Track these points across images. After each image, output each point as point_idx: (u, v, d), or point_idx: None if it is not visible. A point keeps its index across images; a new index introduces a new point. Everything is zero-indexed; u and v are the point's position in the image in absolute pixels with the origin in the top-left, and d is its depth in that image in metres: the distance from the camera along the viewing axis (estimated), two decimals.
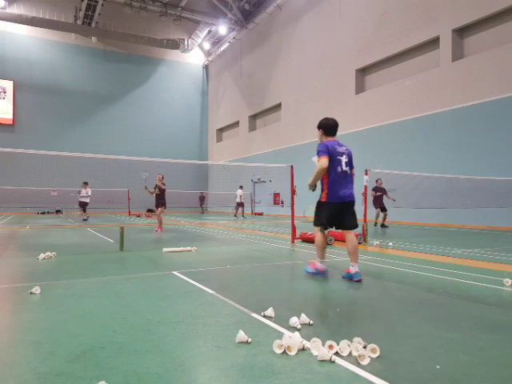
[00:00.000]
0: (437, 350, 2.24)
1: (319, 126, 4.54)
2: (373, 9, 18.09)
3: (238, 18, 27.83)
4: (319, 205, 4.42)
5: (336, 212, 4.29)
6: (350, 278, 4.18)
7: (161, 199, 11.02)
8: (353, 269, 4.18)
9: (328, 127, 4.50)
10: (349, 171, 4.37)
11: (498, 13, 13.50)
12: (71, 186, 22.93)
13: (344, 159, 4.31)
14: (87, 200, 17.08)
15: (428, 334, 2.53)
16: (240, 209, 21.42)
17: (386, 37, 17.37)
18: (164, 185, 11.05)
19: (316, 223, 4.48)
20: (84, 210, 17.25)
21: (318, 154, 4.26)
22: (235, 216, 21.77)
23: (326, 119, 4.55)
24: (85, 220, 16.79)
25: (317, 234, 4.49)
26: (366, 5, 18.50)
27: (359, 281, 4.09)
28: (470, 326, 2.69)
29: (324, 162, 4.15)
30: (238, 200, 21.23)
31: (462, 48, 14.88)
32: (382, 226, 12.91)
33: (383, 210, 12.86)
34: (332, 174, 4.24)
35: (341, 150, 4.34)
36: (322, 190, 4.36)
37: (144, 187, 11.03)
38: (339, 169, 4.25)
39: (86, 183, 17.39)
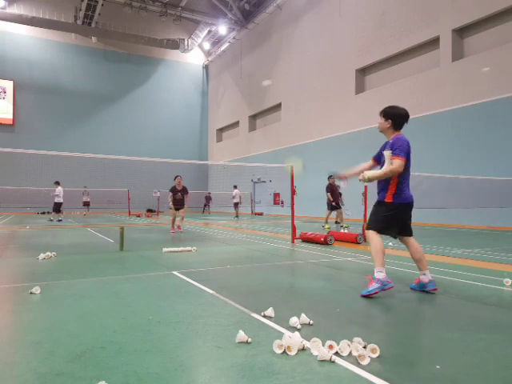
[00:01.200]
0: (437, 350, 2.24)
1: (387, 115, 3.75)
2: (373, 9, 18.09)
3: (238, 18, 27.83)
4: (380, 205, 3.72)
5: (402, 215, 3.71)
6: (422, 288, 3.69)
7: (183, 201, 10.86)
8: (425, 277, 3.65)
9: (401, 118, 3.74)
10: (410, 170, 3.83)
11: (498, 13, 13.50)
12: (71, 185, 22.94)
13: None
14: (61, 200, 16.92)
15: (428, 334, 2.53)
16: (236, 209, 21.72)
17: (385, 37, 17.37)
18: (186, 188, 11.04)
19: (372, 227, 3.68)
20: (59, 211, 17.06)
21: (394, 151, 3.56)
22: (237, 217, 21.79)
23: (395, 108, 3.76)
24: (59, 221, 16.55)
25: (372, 238, 3.64)
26: (365, 5, 18.50)
27: (434, 290, 3.63)
28: (469, 325, 2.69)
29: (401, 165, 3.53)
30: (235, 200, 21.50)
31: (462, 48, 14.88)
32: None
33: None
34: (404, 173, 3.66)
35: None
36: (386, 190, 3.68)
37: (171, 204, 10.75)
38: (410, 169, 3.75)
39: (57, 183, 17.21)
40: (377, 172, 3.66)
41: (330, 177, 12.38)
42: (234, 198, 21.80)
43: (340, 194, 12.93)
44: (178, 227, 10.95)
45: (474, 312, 3.06)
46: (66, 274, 4.59)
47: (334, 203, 12.35)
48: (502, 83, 13.10)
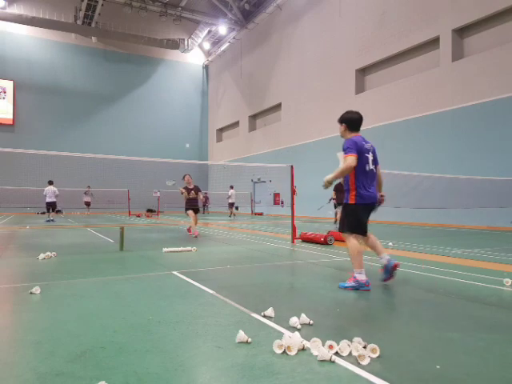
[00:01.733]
0: (437, 349, 2.24)
1: (342, 120, 4.10)
2: (373, 9, 18.09)
3: (238, 18, 27.83)
4: (347, 208, 3.98)
5: (366, 214, 3.93)
6: (388, 270, 3.93)
7: (196, 202, 10.02)
8: (384, 260, 3.95)
9: (352, 121, 4.06)
10: (374, 169, 4.01)
11: (498, 13, 13.50)
12: (71, 186, 22.95)
13: (370, 156, 3.95)
14: (48, 199, 16.83)
15: (428, 334, 2.53)
16: (232, 208, 21.87)
17: (385, 37, 17.38)
18: (198, 187, 10.13)
19: (345, 229, 3.95)
20: (48, 210, 16.95)
21: (345, 150, 3.85)
22: (234, 216, 21.84)
23: (349, 113, 4.12)
24: (52, 221, 16.41)
25: (349, 240, 3.91)
26: (365, 5, 18.50)
27: (396, 266, 3.91)
28: (469, 325, 2.69)
29: (352, 160, 3.75)
30: (230, 200, 21.61)
31: (462, 48, 14.88)
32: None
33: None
34: (359, 172, 3.87)
35: (367, 146, 3.97)
36: (348, 191, 3.95)
37: (180, 192, 9.89)
38: (367, 167, 3.90)
39: (48, 182, 17.19)
40: (333, 172, 3.85)
41: None
42: (229, 197, 21.92)
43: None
44: (192, 231, 9.80)
45: (474, 312, 3.06)
46: (66, 274, 4.59)
47: (333, 200, 12.19)
48: (502, 83, 13.11)
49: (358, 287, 3.75)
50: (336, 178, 3.87)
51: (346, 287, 3.80)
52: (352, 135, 4.00)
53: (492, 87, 13.42)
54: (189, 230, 10.12)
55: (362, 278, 3.76)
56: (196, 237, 9.40)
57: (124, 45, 30.82)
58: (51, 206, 16.98)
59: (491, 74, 13.47)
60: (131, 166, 24.37)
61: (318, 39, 21.63)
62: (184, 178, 9.97)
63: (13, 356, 2.13)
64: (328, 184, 3.94)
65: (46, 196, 16.95)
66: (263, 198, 26.27)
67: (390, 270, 3.93)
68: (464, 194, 12.34)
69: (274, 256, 6.27)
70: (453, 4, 14.66)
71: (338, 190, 12.09)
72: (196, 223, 9.86)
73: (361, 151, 3.85)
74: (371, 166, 3.94)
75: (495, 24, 13.80)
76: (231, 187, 22.10)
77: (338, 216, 12.53)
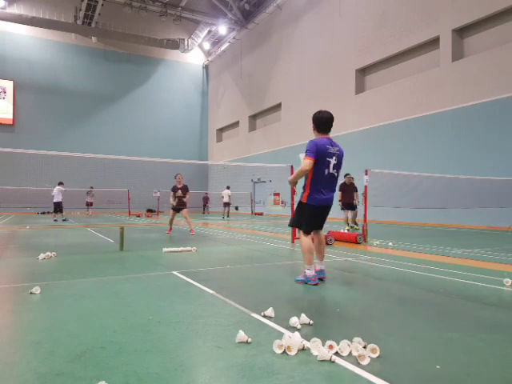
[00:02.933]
0: (437, 349, 2.24)
1: (312, 120, 4.10)
2: (373, 9, 18.09)
3: (238, 18, 27.83)
4: (299, 205, 4.15)
5: (316, 215, 4.08)
6: (318, 277, 4.08)
7: (180, 201, 10.27)
8: (318, 266, 4.14)
9: (320, 122, 4.03)
10: (336, 174, 4.03)
11: (498, 13, 13.50)
12: (71, 186, 22.93)
13: (333, 161, 3.95)
14: (55, 199, 17.08)
15: (428, 334, 2.53)
16: (226, 208, 21.84)
17: (386, 37, 17.38)
18: (187, 187, 10.39)
19: (293, 224, 4.35)
20: (56, 211, 17.23)
21: (306, 152, 3.92)
22: (227, 216, 21.74)
23: (319, 112, 4.06)
24: (56, 221, 16.66)
25: (301, 237, 4.14)
26: (365, 5, 18.50)
27: (323, 278, 4.13)
28: (470, 325, 2.69)
29: (307, 164, 3.84)
30: (225, 200, 21.61)
31: (462, 48, 14.88)
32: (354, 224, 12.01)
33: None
34: (317, 175, 3.92)
35: (332, 150, 3.95)
36: (304, 190, 4.05)
37: (173, 200, 10.17)
38: (326, 171, 3.92)
39: (59, 183, 17.44)
40: (294, 174, 4.07)
41: (346, 175, 11.58)
42: (229, 197, 21.93)
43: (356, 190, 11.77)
44: (191, 231, 10.16)
45: (474, 312, 3.06)
46: (66, 274, 4.59)
47: (339, 202, 11.34)
48: (502, 83, 13.11)
49: (306, 281, 4.00)
50: (295, 178, 4.08)
51: (296, 281, 4.10)
52: (319, 136, 4.03)
53: (492, 87, 13.42)
54: (170, 228, 10.58)
55: (309, 273, 3.99)
56: (169, 233, 10.28)
57: (124, 45, 30.83)
58: (57, 206, 17.16)
59: (491, 74, 13.47)
60: (131, 166, 24.38)
61: (318, 39, 21.63)
62: (176, 177, 10.35)
63: (13, 356, 2.13)
64: (292, 184, 4.22)
65: (53, 196, 17.17)
66: (263, 198, 26.27)
67: (312, 280, 3.99)
68: (464, 194, 12.34)
69: (274, 256, 6.27)
70: (453, 4, 14.66)
71: (345, 190, 11.57)
72: (172, 222, 10.54)
73: (321, 155, 3.88)
74: (331, 171, 3.96)
75: (495, 24, 13.80)
76: (227, 188, 22.14)
77: (349, 216, 11.90)
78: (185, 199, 10.16)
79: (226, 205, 21.96)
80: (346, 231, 10.28)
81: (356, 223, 11.92)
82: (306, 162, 3.86)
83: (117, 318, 2.81)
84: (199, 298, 3.42)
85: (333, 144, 4.00)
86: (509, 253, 6.55)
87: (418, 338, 2.45)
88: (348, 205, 11.67)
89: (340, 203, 11.45)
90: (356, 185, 11.83)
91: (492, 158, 13.23)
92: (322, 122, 4.01)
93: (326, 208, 4.09)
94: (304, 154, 3.94)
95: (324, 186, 3.96)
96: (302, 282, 4.03)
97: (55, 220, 16.88)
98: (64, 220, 16.88)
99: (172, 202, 10.13)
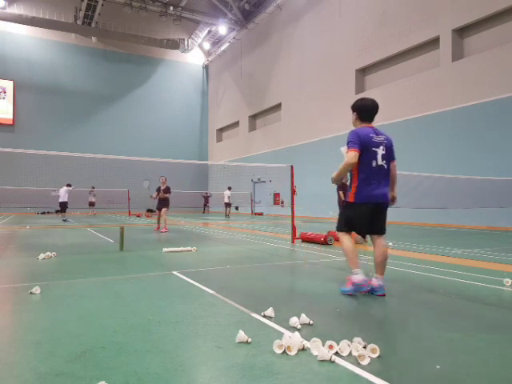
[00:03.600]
0: (437, 349, 2.24)
1: (353, 108, 3.69)
2: (373, 9, 18.09)
3: (238, 18, 27.83)
4: (345, 206, 3.69)
5: (366, 215, 3.51)
6: (372, 291, 3.50)
7: (166, 201, 11.34)
8: (376, 281, 3.51)
9: (363, 109, 3.64)
10: (385, 166, 3.53)
11: (498, 13, 13.50)
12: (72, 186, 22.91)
13: (381, 151, 3.49)
14: (61, 199, 17.39)
15: (428, 333, 2.53)
16: (227, 209, 21.94)
17: (386, 37, 17.38)
18: (169, 188, 11.48)
19: (339, 227, 3.70)
20: (62, 210, 17.57)
21: (347, 144, 3.51)
22: (226, 217, 21.80)
23: (361, 99, 3.70)
24: (65, 220, 16.86)
25: (342, 238, 3.65)
26: (365, 5, 18.50)
27: (383, 295, 3.48)
28: (470, 325, 2.69)
29: (352, 156, 3.40)
30: (225, 200, 21.69)
31: (462, 48, 14.88)
32: None
33: None
34: (364, 169, 3.47)
35: (378, 139, 3.52)
36: (350, 188, 3.62)
37: (150, 196, 11.55)
38: (374, 163, 3.46)
39: (67, 185, 17.82)
40: (337, 170, 3.61)
41: None
42: (228, 198, 22.06)
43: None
44: (164, 227, 11.01)
45: (474, 312, 3.06)
46: (66, 273, 4.59)
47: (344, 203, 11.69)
48: (502, 83, 13.11)
49: (357, 290, 3.44)
50: (339, 175, 3.63)
51: (344, 292, 3.52)
52: (362, 125, 3.63)
53: (492, 87, 13.42)
54: (164, 228, 11.15)
55: (358, 278, 3.43)
56: (156, 230, 11.28)
57: (124, 45, 30.83)
58: (62, 206, 17.41)
59: (491, 73, 13.47)
60: (131, 166, 24.37)
61: (318, 39, 21.63)
62: (160, 179, 11.45)
63: (13, 356, 2.13)
64: (337, 181, 3.82)
65: (59, 196, 17.50)
66: (263, 198, 26.27)
67: (371, 292, 3.52)
68: (464, 193, 12.33)
69: (274, 256, 6.27)
70: (453, 4, 14.66)
71: (345, 189, 11.73)
72: (160, 220, 11.43)
73: (366, 145, 3.45)
74: (380, 162, 3.49)
75: (495, 24, 13.80)
76: (228, 188, 22.22)
77: None
78: (166, 197, 11.27)
79: (227, 205, 22.04)
80: None
81: None
82: (350, 155, 3.41)
83: (117, 318, 2.81)
84: (199, 298, 3.42)
85: (377, 132, 3.59)
86: (509, 253, 6.55)
87: (418, 337, 2.45)
88: None
89: (343, 203, 11.55)
90: None
91: (492, 158, 13.22)
92: (366, 109, 3.65)
93: (379, 206, 3.52)
94: (346, 147, 3.53)
95: (373, 182, 3.47)
96: (352, 293, 3.44)
97: (64, 220, 16.98)
98: (64, 220, 16.90)
99: (154, 195, 11.32)
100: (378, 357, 2.08)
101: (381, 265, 3.54)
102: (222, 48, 31.76)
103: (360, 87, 19.16)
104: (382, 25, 17.56)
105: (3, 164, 24.87)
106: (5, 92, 27.41)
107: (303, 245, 7.84)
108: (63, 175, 22.19)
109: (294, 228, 8.33)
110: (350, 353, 2.12)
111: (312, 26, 22.21)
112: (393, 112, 17.06)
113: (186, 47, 30.70)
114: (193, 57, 33.90)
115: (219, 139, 34.03)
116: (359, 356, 2.05)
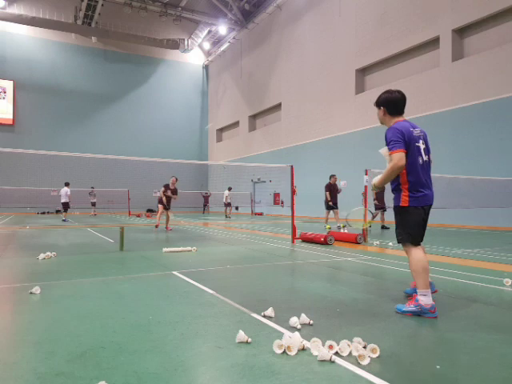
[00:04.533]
0: (437, 350, 2.24)
1: (379, 103, 3.33)
2: (373, 9, 18.09)
3: (238, 18, 27.84)
4: (401, 212, 3.14)
5: (423, 218, 3.11)
6: (420, 313, 2.94)
7: (171, 201, 11.82)
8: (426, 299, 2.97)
9: (393, 102, 3.27)
10: (428, 161, 3.21)
11: (498, 13, 13.50)
12: (71, 186, 22.91)
13: (422, 145, 3.15)
14: (62, 199, 17.54)
15: (428, 334, 2.53)
16: (228, 209, 21.92)
17: (386, 37, 17.38)
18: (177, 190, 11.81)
19: (405, 239, 3.12)
20: (64, 210, 17.70)
21: (389, 144, 3.09)
22: (226, 217, 21.77)
23: (388, 92, 3.33)
24: (64, 221, 16.87)
25: (412, 253, 3.08)
26: (365, 5, 18.50)
27: (435, 292, 3.30)
28: (469, 325, 2.69)
29: (399, 157, 2.98)
30: (224, 200, 21.73)
31: (462, 48, 14.88)
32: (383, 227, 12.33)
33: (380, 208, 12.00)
34: (412, 168, 3.07)
35: (416, 132, 3.15)
36: (399, 191, 3.15)
37: (161, 193, 11.64)
38: (420, 160, 3.10)
39: (65, 184, 17.89)
40: (381, 175, 3.22)
41: (331, 176, 12.15)
42: (226, 198, 22.04)
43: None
44: (167, 227, 11.54)
45: (474, 312, 3.06)
46: (65, 273, 4.59)
47: (330, 202, 11.89)
48: (502, 83, 13.11)
49: (420, 313, 2.93)
50: (385, 182, 3.19)
51: (403, 312, 2.99)
52: (395, 121, 3.25)
53: (492, 87, 13.42)
54: (166, 227, 11.55)
55: (426, 301, 2.92)
56: (157, 227, 11.72)
57: (124, 45, 30.83)
58: (64, 206, 17.53)
59: (491, 73, 13.47)
60: (131, 166, 24.38)
61: (318, 39, 21.63)
62: (171, 178, 11.57)
63: (13, 356, 2.13)
64: (376, 189, 3.33)
65: (61, 196, 17.68)
66: (263, 198, 26.28)
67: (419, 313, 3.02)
68: (464, 194, 12.34)
69: (274, 256, 6.27)
70: (453, 4, 14.66)
71: (331, 191, 12.01)
72: (164, 218, 11.75)
73: (410, 141, 3.07)
74: (425, 157, 3.15)
75: (495, 24, 13.80)
76: (229, 189, 22.13)
77: (336, 217, 12.02)
78: (173, 198, 11.61)
79: (227, 205, 22.01)
80: (345, 231, 10.25)
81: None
82: (396, 157, 2.99)
83: (117, 318, 2.81)
84: (199, 297, 3.42)
85: (413, 125, 3.23)
86: (509, 253, 6.55)
87: (418, 337, 2.45)
88: (335, 204, 12.07)
89: (330, 203, 11.86)
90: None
91: (492, 158, 13.22)
92: (395, 102, 3.29)
93: (430, 208, 3.19)
94: (386, 148, 3.13)
95: (423, 179, 3.11)
96: (412, 315, 2.94)
97: (63, 220, 17.01)
98: (63, 220, 16.91)
99: (162, 195, 11.45)
100: (378, 357, 2.08)
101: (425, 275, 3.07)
102: (222, 48, 31.76)
103: (360, 87, 19.16)
104: (382, 25, 17.56)
105: (3, 164, 24.88)
106: (5, 92, 27.42)
107: (303, 245, 7.84)
108: (63, 175, 22.22)
109: (294, 228, 8.33)
110: (350, 353, 2.12)
111: (312, 26, 22.21)
112: None
113: (186, 47, 30.71)
114: (193, 57, 33.90)
115: (219, 139, 34.03)
116: (359, 356, 2.05)
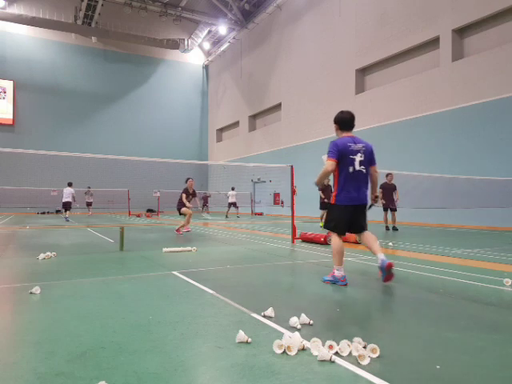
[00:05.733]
0: (437, 349, 2.24)
1: (334, 120, 4.24)
2: (373, 9, 18.09)
3: (238, 18, 27.84)
4: (330, 207, 4.25)
5: (347, 215, 4.02)
6: (384, 269, 3.88)
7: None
8: (381, 256, 3.92)
9: (343, 121, 4.18)
10: (364, 171, 4.03)
11: (498, 13, 13.50)
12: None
13: (359, 158, 3.99)
14: (64, 199, 17.60)
15: (428, 334, 2.53)
16: (234, 208, 21.71)
17: (386, 37, 17.38)
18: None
19: (327, 226, 4.22)
20: (65, 209, 17.78)
21: (327, 153, 4.04)
22: (226, 217, 21.75)
23: (341, 112, 4.25)
24: (67, 220, 16.98)
25: (333, 239, 4.11)
26: (365, 5, 18.50)
27: (389, 265, 3.83)
28: (470, 325, 2.69)
29: (329, 165, 3.95)
30: (229, 200, 21.66)
31: (462, 48, 14.89)
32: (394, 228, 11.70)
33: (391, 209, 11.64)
34: (343, 174, 3.99)
35: (356, 147, 4.01)
36: (332, 191, 4.20)
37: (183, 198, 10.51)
38: (351, 169, 3.97)
39: (68, 184, 17.93)
40: (318, 176, 4.16)
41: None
42: (230, 197, 21.97)
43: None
44: (179, 230, 10.67)
45: (474, 312, 3.06)
46: (65, 273, 4.59)
47: (326, 200, 11.82)
48: (502, 83, 13.11)
49: (334, 281, 4.00)
50: (319, 181, 4.22)
51: (324, 280, 4.10)
52: (343, 135, 4.15)
53: (492, 87, 13.42)
54: (178, 230, 10.31)
55: (338, 274, 4.00)
56: (186, 232, 10.66)
57: (124, 45, 30.84)
58: (66, 206, 17.55)
59: (491, 73, 13.47)
60: (131, 166, 24.40)
61: (318, 39, 21.63)
62: (187, 181, 10.62)
63: (13, 356, 2.13)
64: (317, 184, 4.45)
65: (63, 196, 17.72)
66: (263, 198, 26.27)
67: (385, 270, 3.92)
68: (464, 193, 12.34)
69: (274, 256, 6.27)
70: (453, 4, 14.67)
71: (324, 190, 12.01)
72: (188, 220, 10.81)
73: (344, 153, 3.96)
74: (358, 168, 3.98)
75: (495, 24, 13.81)
76: (232, 189, 22.03)
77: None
78: (197, 203, 10.97)
79: (233, 204, 21.91)
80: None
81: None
82: (327, 163, 3.97)
83: (117, 318, 2.81)
84: (199, 297, 3.42)
85: (356, 141, 4.09)
86: (509, 253, 6.55)
87: (418, 337, 2.45)
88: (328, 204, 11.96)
89: (324, 201, 12.03)
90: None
91: (492, 157, 13.22)
92: (344, 121, 4.18)
93: (357, 207, 4.04)
94: (326, 155, 4.05)
95: (351, 185, 3.98)
96: (329, 283, 4.03)
97: (66, 219, 17.09)
98: (66, 220, 16.99)
99: (188, 205, 10.30)
100: (378, 357, 2.08)
101: (375, 243, 4.04)
102: (222, 48, 31.76)
103: (360, 87, 19.16)
104: (382, 25, 17.56)
105: (3, 164, 24.88)
106: (5, 92, 27.42)
107: (303, 245, 7.84)
108: (63, 175, 22.22)
109: (294, 228, 8.33)
110: (350, 353, 2.12)
111: (312, 26, 22.21)
112: (393, 112, 17.06)
113: (186, 47, 30.71)
114: (193, 57, 33.90)
115: (219, 139, 34.04)
116: (359, 356, 2.05)
